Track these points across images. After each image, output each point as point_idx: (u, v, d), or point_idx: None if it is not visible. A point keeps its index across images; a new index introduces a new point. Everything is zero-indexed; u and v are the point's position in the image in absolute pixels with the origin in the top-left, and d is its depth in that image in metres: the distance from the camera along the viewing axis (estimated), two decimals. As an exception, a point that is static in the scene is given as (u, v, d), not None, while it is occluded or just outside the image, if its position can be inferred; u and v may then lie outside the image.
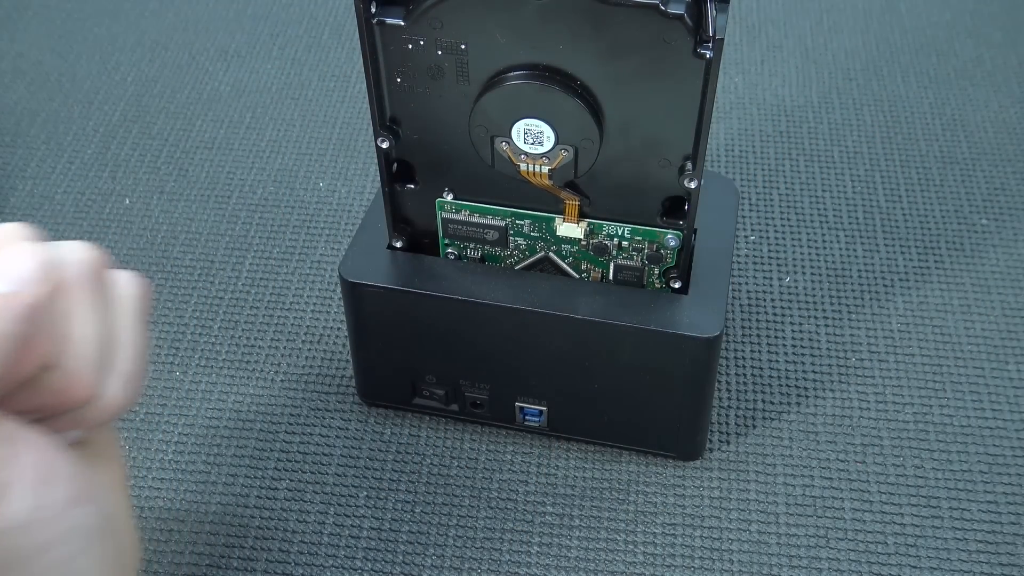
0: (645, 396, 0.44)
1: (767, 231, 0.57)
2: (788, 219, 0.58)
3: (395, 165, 0.43)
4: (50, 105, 0.66)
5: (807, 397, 0.49)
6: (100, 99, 0.67)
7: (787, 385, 0.50)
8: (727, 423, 0.48)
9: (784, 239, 0.57)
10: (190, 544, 0.44)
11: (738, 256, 0.56)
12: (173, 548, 0.44)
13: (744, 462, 0.47)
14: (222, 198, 0.60)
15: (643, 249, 0.43)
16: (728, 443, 0.48)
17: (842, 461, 0.47)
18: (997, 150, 0.62)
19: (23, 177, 0.61)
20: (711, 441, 0.48)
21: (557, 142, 0.40)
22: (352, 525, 0.45)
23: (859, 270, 0.55)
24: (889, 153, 0.62)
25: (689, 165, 0.40)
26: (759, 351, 0.51)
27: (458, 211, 0.44)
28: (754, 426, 0.48)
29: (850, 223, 0.58)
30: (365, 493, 0.46)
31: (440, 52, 0.39)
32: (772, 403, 0.49)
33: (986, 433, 0.48)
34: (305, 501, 0.46)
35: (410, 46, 0.39)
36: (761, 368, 0.51)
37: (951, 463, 0.47)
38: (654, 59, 0.37)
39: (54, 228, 0.58)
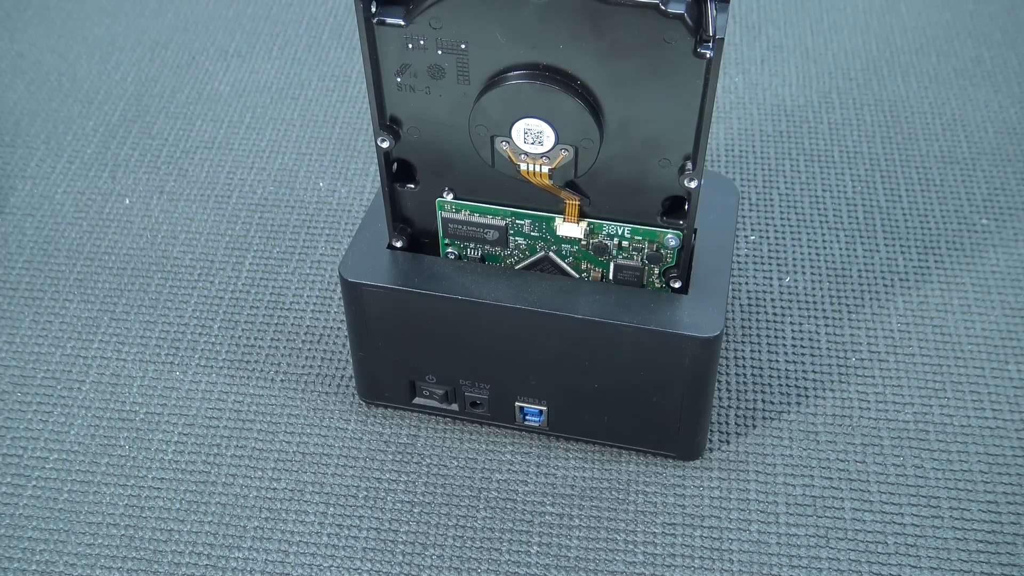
0: (645, 396, 0.44)
1: (767, 231, 0.57)
2: (788, 219, 0.58)
3: (395, 165, 0.43)
4: (50, 105, 0.66)
5: (807, 397, 0.49)
6: (100, 99, 0.67)
7: (787, 385, 0.50)
8: (727, 423, 0.48)
9: (784, 239, 0.57)
10: (190, 544, 0.44)
11: (738, 256, 0.56)
12: (173, 548, 0.44)
13: (744, 462, 0.47)
14: (222, 198, 0.60)
15: (643, 249, 0.43)
16: (728, 443, 0.48)
17: (842, 461, 0.47)
18: (997, 150, 0.62)
19: (23, 177, 0.61)
20: (711, 441, 0.48)
21: (557, 142, 0.40)
22: (351, 525, 0.45)
23: (859, 270, 0.55)
24: (889, 153, 0.62)
25: (689, 165, 0.40)
26: (759, 351, 0.51)
27: (458, 211, 0.44)
28: (754, 426, 0.48)
29: (850, 223, 0.58)
30: (364, 493, 0.46)
31: (440, 52, 0.39)
32: (772, 403, 0.49)
33: (986, 433, 0.48)
34: (304, 501, 0.46)
35: (410, 46, 0.39)
36: (761, 368, 0.51)
37: (951, 463, 0.47)
38: (654, 59, 0.37)
39: (54, 228, 0.58)
